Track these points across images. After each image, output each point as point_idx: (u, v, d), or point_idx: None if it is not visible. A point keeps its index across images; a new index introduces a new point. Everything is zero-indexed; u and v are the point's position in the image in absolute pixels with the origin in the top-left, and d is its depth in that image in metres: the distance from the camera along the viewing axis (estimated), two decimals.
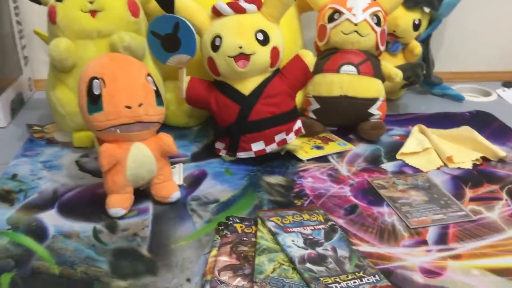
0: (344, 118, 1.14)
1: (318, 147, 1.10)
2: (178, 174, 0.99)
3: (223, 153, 1.05)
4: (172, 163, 0.99)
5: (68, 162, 1.04)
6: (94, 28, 0.99)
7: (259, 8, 0.99)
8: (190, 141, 1.14)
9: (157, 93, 0.86)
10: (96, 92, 0.80)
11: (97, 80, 0.80)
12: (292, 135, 1.03)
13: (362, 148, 1.11)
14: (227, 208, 0.89)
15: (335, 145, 1.12)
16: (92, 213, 0.86)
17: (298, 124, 1.05)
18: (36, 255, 0.76)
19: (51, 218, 0.85)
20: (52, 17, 0.99)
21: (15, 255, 0.76)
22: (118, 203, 0.85)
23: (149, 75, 0.86)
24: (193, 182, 0.97)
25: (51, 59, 0.98)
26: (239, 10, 0.98)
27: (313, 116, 1.15)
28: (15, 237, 0.80)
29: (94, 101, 0.80)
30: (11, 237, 0.80)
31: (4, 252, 0.76)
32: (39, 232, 0.81)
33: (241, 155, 1.02)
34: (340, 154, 1.08)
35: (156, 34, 1.01)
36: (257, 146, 1.01)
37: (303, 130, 1.06)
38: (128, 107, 0.81)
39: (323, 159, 1.07)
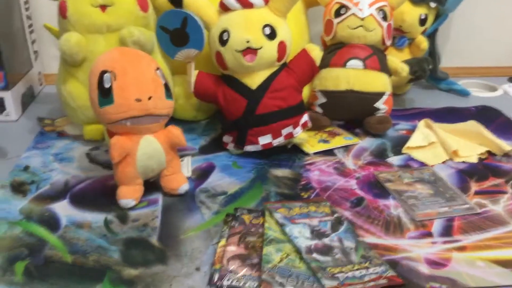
0: (351, 112, 1.15)
1: (325, 141, 1.11)
2: (187, 166, 1.00)
3: (230, 146, 1.06)
4: (181, 156, 1.01)
5: (78, 155, 1.05)
6: (104, 23, 1.00)
7: (266, 2, 1.00)
8: (198, 135, 1.16)
9: (166, 86, 0.87)
10: (107, 85, 0.81)
11: (107, 74, 0.82)
12: (298, 129, 1.04)
13: (368, 142, 1.12)
14: (235, 200, 0.90)
15: (342, 139, 1.13)
16: (103, 204, 0.88)
17: (305, 118, 1.06)
18: (49, 244, 0.78)
19: (63, 209, 0.87)
20: (62, 12, 1.00)
21: (28, 244, 0.78)
22: (128, 194, 0.87)
23: (158, 68, 0.87)
24: (201, 174, 0.99)
25: (62, 53, 1.00)
26: (246, 4, 0.99)
27: (320, 110, 1.16)
28: (28, 227, 0.82)
29: (104, 94, 0.82)
30: (24, 227, 0.82)
31: (17, 241, 0.78)
32: (51, 222, 0.83)
33: (249, 148, 1.03)
34: (346, 148, 1.10)
35: (164, 28, 1.02)
36: (264, 140, 1.02)
37: (309, 124, 1.07)
38: (138, 100, 0.82)
39: (329, 152, 1.08)
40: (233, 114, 1.03)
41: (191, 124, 1.20)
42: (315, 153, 1.07)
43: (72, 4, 0.99)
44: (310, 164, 1.03)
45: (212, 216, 0.86)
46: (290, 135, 1.03)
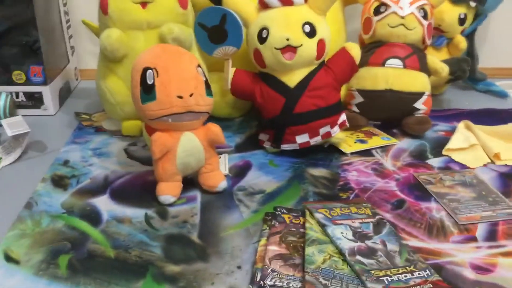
0: (388, 112, 1.13)
1: (362, 141, 1.10)
2: (224, 164, 1.00)
3: (267, 144, 1.06)
4: (218, 154, 1.00)
5: (117, 150, 1.06)
6: (144, 19, 1.01)
7: (306, 0, 0.99)
8: (233, 132, 1.15)
9: (207, 83, 0.87)
10: (150, 82, 0.82)
11: (150, 70, 0.82)
12: (336, 128, 1.03)
13: (406, 143, 1.11)
14: (273, 199, 0.90)
15: (379, 139, 1.11)
16: (143, 199, 0.88)
17: (343, 117, 1.05)
18: (91, 239, 0.78)
19: (104, 203, 0.88)
20: (104, 8, 1.01)
21: (71, 238, 0.79)
22: (168, 191, 0.87)
23: (199, 66, 0.87)
24: (238, 172, 0.98)
25: (103, 49, 1.00)
26: (286, 2, 0.98)
27: (356, 110, 1.14)
28: (70, 221, 0.83)
29: (147, 91, 0.82)
30: (66, 221, 0.83)
31: (60, 235, 0.79)
32: (93, 217, 0.84)
33: (286, 147, 1.03)
34: (384, 149, 1.08)
35: (203, 25, 1.02)
36: (302, 139, 1.01)
37: (347, 124, 1.06)
38: (180, 97, 0.82)
39: (367, 153, 1.06)
40: (270, 112, 1.02)
41: (226, 121, 1.19)
42: (352, 153, 1.06)
43: (114, 0, 1.00)
44: (348, 164, 1.02)
45: (251, 215, 0.85)
46: (327, 135, 1.02)
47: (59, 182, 0.94)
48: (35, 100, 1.23)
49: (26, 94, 1.23)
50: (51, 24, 1.29)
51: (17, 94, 1.22)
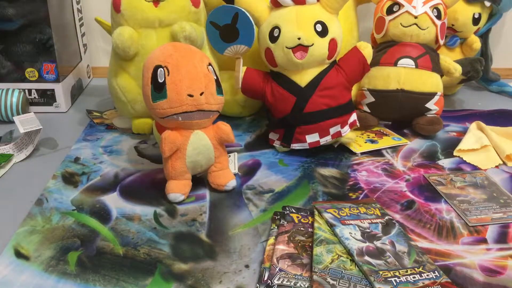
0: (400, 112, 1.12)
1: (372, 141, 1.09)
2: (233, 163, 1.00)
3: (277, 144, 1.06)
4: (227, 152, 1.00)
5: (127, 148, 1.07)
6: (156, 18, 1.01)
7: None
8: (243, 131, 1.15)
9: (217, 82, 0.87)
10: (160, 80, 0.82)
11: (161, 69, 0.82)
12: (347, 128, 1.02)
13: (417, 144, 1.10)
14: (282, 198, 0.90)
15: (390, 140, 1.10)
16: (152, 197, 0.89)
17: (353, 117, 1.04)
18: (100, 236, 0.79)
19: (113, 201, 0.88)
20: (116, 6, 1.01)
21: (81, 235, 0.79)
22: (177, 189, 0.87)
23: (210, 64, 0.87)
24: (248, 171, 0.98)
25: (115, 47, 1.01)
26: (299, 1, 0.98)
27: (367, 110, 1.14)
28: (80, 218, 0.83)
29: (158, 89, 0.82)
30: (76, 218, 0.83)
31: (70, 232, 0.80)
32: (102, 214, 0.84)
33: (296, 146, 1.02)
34: (395, 149, 1.07)
35: (215, 24, 1.02)
36: (312, 138, 1.01)
37: (358, 123, 1.05)
38: (190, 96, 0.82)
39: (377, 153, 1.06)
40: (280, 111, 1.02)
41: (236, 120, 1.20)
42: (362, 153, 1.05)
43: None
44: (358, 164, 1.01)
45: (260, 214, 0.85)
46: (338, 134, 1.01)
47: (69, 179, 0.95)
48: (47, 97, 1.25)
49: (38, 91, 1.24)
50: (65, 22, 1.29)
51: (29, 91, 1.23)
